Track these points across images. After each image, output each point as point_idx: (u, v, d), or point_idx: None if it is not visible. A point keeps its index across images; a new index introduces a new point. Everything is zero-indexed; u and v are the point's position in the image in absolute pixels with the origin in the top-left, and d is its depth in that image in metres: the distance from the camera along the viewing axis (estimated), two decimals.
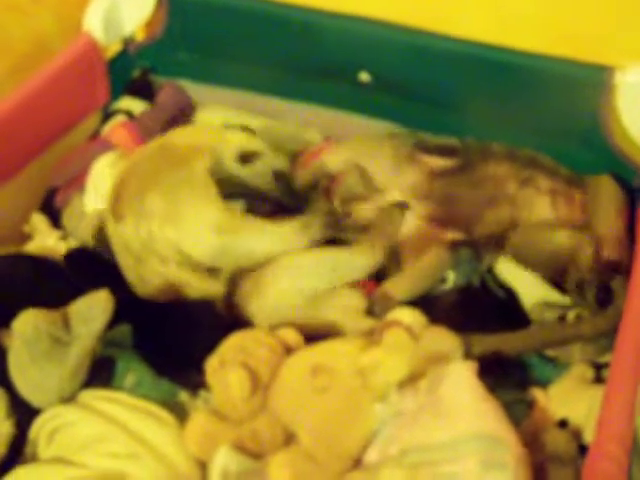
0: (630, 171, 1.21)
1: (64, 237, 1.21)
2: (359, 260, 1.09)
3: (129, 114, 1.38)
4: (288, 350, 0.98)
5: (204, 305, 1.07)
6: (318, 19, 1.32)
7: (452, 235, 1.18)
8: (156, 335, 1.03)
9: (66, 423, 0.93)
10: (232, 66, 1.42)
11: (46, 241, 1.20)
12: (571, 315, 1.10)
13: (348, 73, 1.34)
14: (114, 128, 1.34)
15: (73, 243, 1.19)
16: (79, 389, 0.94)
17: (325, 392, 0.91)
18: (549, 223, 1.15)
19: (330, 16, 1.32)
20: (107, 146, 1.29)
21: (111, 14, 1.35)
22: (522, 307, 1.15)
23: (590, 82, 1.19)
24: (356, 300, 1.08)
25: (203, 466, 0.91)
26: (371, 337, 1.02)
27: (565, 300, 1.13)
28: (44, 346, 0.90)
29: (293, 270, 1.06)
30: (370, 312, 1.09)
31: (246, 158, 1.17)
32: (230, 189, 1.13)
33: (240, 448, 0.90)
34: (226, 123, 1.38)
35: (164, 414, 0.94)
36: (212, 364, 0.95)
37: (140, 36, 1.47)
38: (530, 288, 1.15)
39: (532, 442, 0.92)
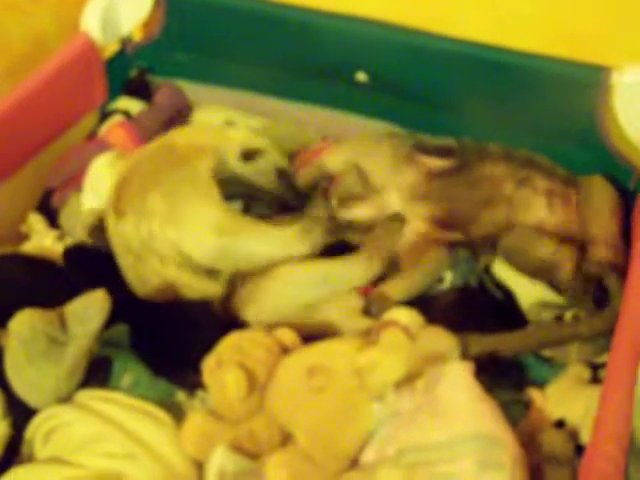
0: (626, 171, 1.21)
1: (61, 237, 1.21)
2: (355, 273, 1.08)
3: (126, 114, 1.38)
4: (285, 350, 0.98)
5: (201, 305, 1.07)
6: (315, 19, 1.32)
7: (449, 235, 1.17)
8: (153, 335, 1.03)
9: (63, 423, 0.93)
10: (229, 66, 1.42)
11: (43, 241, 1.20)
12: (568, 315, 1.10)
13: (345, 73, 1.34)
14: (111, 128, 1.33)
15: (70, 243, 1.19)
16: (76, 389, 0.94)
17: (322, 392, 0.91)
18: (538, 229, 1.15)
19: (327, 16, 1.32)
20: (104, 146, 1.29)
21: (109, 14, 1.34)
22: (519, 307, 1.16)
23: (587, 82, 1.19)
24: (353, 300, 1.08)
25: (200, 466, 0.91)
26: (368, 337, 1.02)
27: (562, 300, 1.13)
28: (40, 346, 0.90)
29: (288, 282, 1.06)
30: (367, 312, 1.09)
31: (249, 155, 1.16)
32: (231, 189, 1.12)
33: (237, 448, 0.90)
34: (228, 121, 1.38)
35: (161, 414, 0.94)
36: (209, 364, 0.95)
37: (138, 36, 1.46)
38: (527, 288, 1.16)
39: (529, 442, 0.92)
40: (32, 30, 1.39)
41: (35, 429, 0.94)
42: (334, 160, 1.25)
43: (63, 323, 0.93)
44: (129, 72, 1.46)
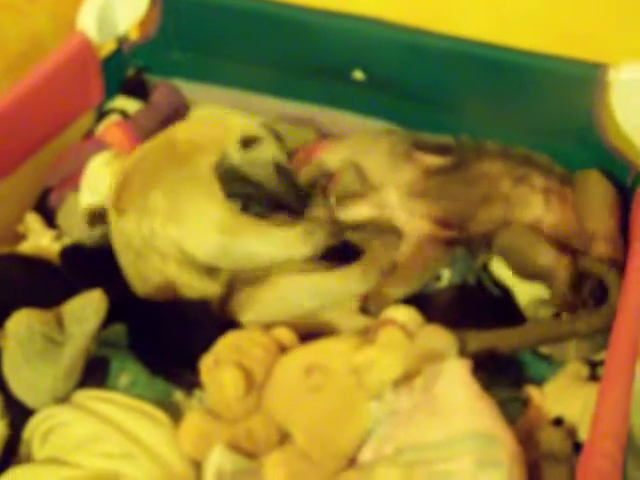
0: (624, 168, 1.21)
1: (58, 237, 1.21)
2: (351, 287, 1.08)
3: (123, 113, 1.38)
4: (283, 349, 0.98)
5: (199, 304, 1.07)
6: (312, 18, 1.32)
7: (447, 233, 1.17)
8: (151, 334, 1.03)
9: (60, 423, 0.93)
10: (226, 65, 1.42)
11: (40, 241, 1.20)
12: (565, 313, 1.10)
13: (342, 71, 1.34)
14: (108, 127, 1.33)
15: (67, 243, 1.19)
16: (73, 389, 0.94)
17: (319, 391, 0.91)
18: (536, 229, 1.15)
19: (324, 15, 1.31)
20: (101, 145, 1.29)
21: (105, 13, 1.34)
22: (517, 305, 1.15)
23: (584, 80, 1.19)
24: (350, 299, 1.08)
25: (198, 466, 0.91)
26: (366, 336, 1.02)
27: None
28: (38, 346, 0.90)
29: (284, 293, 1.06)
30: (365, 310, 1.09)
31: (247, 143, 1.16)
32: (231, 189, 1.12)
33: (235, 447, 0.90)
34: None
35: (159, 414, 0.94)
36: (207, 363, 0.95)
37: (134, 35, 1.46)
38: (525, 286, 1.15)
39: (527, 440, 0.92)
40: (28, 30, 1.39)
41: (33, 429, 0.93)
42: (332, 158, 1.25)
43: (60, 323, 0.92)
44: (126, 71, 1.46)
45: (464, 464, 0.83)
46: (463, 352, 1.00)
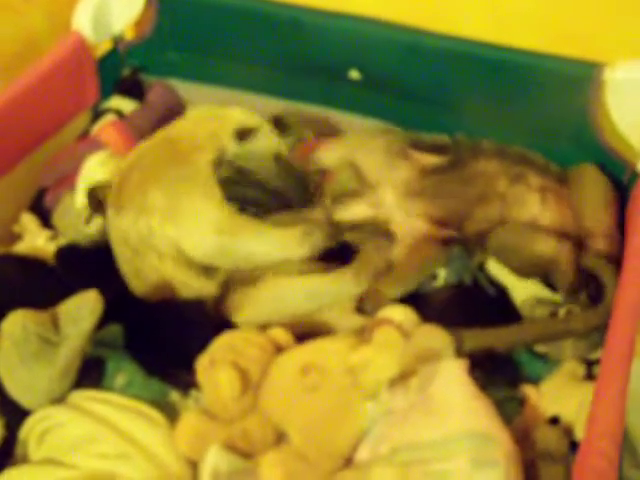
0: (619, 167, 1.21)
1: (54, 237, 1.20)
2: (343, 290, 1.08)
3: (119, 113, 1.38)
4: (278, 349, 0.98)
5: (195, 304, 1.07)
6: (308, 17, 1.32)
7: (443, 232, 1.17)
8: (147, 334, 1.03)
9: (56, 424, 0.93)
10: (222, 65, 1.42)
11: (36, 241, 1.20)
12: (562, 312, 1.10)
13: (338, 71, 1.34)
14: (104, 127, 1.33)
15: (63, 243, 1.19)
16: (69, 390, 0.94)
17: (315, 391, 0.91)
18: (531, 227, 1.15)
19: (321, 14, 1.32)
20: (97, 145, 1.29)
21: (100, 13, 1.34)
22: (513, 304, 1.16)
23: (579, 79, 1.19)
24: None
25: (194, 466, 0.91)
26: (362, 335, 1.02)
27: (555, 297, 1.13)
28: (33, 347, 0.90)
29: (276, 295, 1.06)
30: (361, 310, 1.09)
31: (243, 135, 1.16)
32: (231, 191, 1.11)
33: (231, 447, 0.90)
34: None
35: (155, 414, 0.94)
36: (202, 363, 0.95)
37: (130, 35, 1.46)
38: (521, 285, 1.15)
39: (523, 439, 0.92)
40: (24, 30, 1.39)
41: (29, 430, 0.93)
42: (329, 156, 1.25)
43: (55, 324, 0.92)
44: (121, 71, 1.45)
45: (460, 464, 0.83)
46: (459, 351, 1.00)
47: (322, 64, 1.35)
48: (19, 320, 0.91)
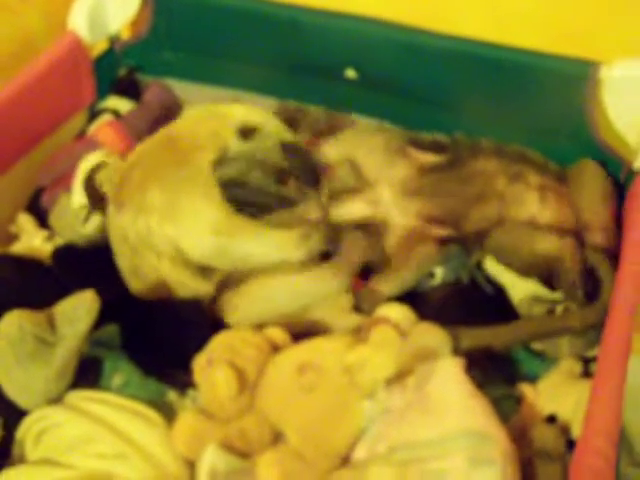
0: (616, 165, 1.21)
1: (50, 237, 1.20)
2: (323, 287, 1.07)
3: (115, 113, 1.38)
4: (275, 349, 0.98)
5: (192, 304, 1.07)
6: (304, 16, 1.31)
7: (441, 231, 1.17)
8: (144, 335, 1.03)
9: (53, 424, 0.93)
10: (218, 64, 1.42)
11: (32, 241, 1.20)
12: (559, 309, 1.10)
13: (335, 70, 1.34)
14: (100, 127, 1.33)
15: (60, 243, 1.19)
16: (66, 390, 0.94)
17: (312, 390, 0.91)
18: (530, 226, 1.15)
19: (317, 13, 1.31)
20: (93, 145, 1.29)
21: (96, 13, 1.34)
22: (510, 302, 1.16)
23: (576, 77, 1.19)
24: (343, 297, 1.08)
25: (191, 466, 0.91)
26: (358, 334, 1.02)
27: (553, 295, 1.13)
28: (29, 347, 0.90)
29: (260, 296, 1.06)
30: (358, 309, 1.09)
31: (247, 133, 1.16)
32: (230, 195, 1.11)
33: (228, 447, 0.90)
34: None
35: (152, 414, 0.94)
36: (199, 363, 0.95)
37: (126, 35, 1.46)
38: (518, 283, 1.16)
39: (520, 438, 0.92)
40: (20, 30, 1.39)
41: (26, 430, 0.93)
42: (328, 153, 1.25)
43: (52, 324, 0.92)
44: (118, 71, 1.45)
45: (457, 462, 0.83)
46: (457, 350, 1.00)
47: (319, 63, 1.35)
48: (15, 320, 0.91)
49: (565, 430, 0.96)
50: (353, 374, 0.91)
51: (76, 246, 1.18)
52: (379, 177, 1.20)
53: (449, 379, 0.92)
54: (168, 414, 0.95)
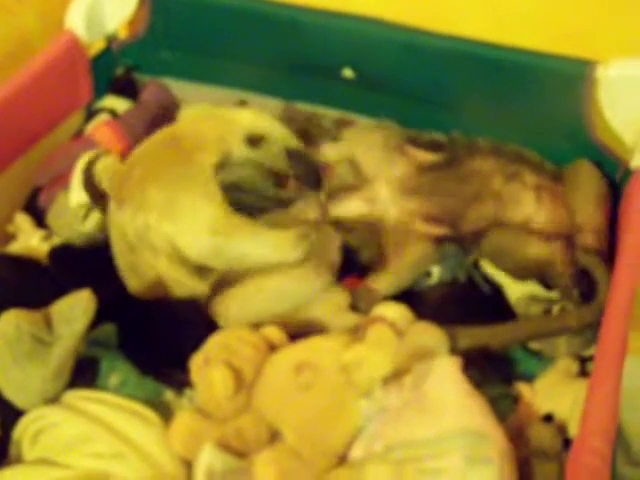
0: (612, 164, 1.21)
1: (48, 237, 1.20)
2: (307, 287, 1.07)
3: (113, 112, 1.38)
4: (272, 348, 0.98)
5: (189, 303, 1.07)
6: (301, 16, 1.31)
7: (437, 230, 1.17)
8: (141, 334, 1.03)
9: (50, 424, 0.93)
10: (216, 64, 1.41)
11: (30, 241, 1.20)
12: (556, 309, 1.10)
13: (334, 70, 1.34)
14: (97, 126, 1.33)
15: (57, 242, 1.19)
16: (63, 389, 0.94)
17: (309, 389, 0.91)
18: (523, 230, 1.15)
19: (315, 13, 1.31)
20: (91, 144, 1.28)
21: (93, 12, 1.34)
22: (508, 302, 1.16)
23: (573, 77, 1.19)
24: (340, 296, 1.08)
25: (188, 465, 0.91)
26: (355, 333, 1.02)
27: (550, 294, 1.13)
28: (26, 347, 0.90)
29: (246, 299, 1.05)
30: (355, 308, 1.09)
31: (254, 141, 1.16)
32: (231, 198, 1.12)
33: (225, 446, 0.90)
34: (242, 101, 1.38)
35: (149, 413, 0.94)
36: (196, 362, 0.96)
37: (123, 34, 1.46)
38: (515, 282, 1.16)
39: (517, 437, 0.92)
40: (17, 29, 1.39)
41: (23, 430, 0.93)
42: (328, 151, 1.25)
43: (49, 323, 0.92)
44: (115, 70, 1.45)
45: (454, 461, 0.83)
46: (454, 349, 1.00)
47: (317, 63, 1.35)
48: (12, 320, 0.91)
49: (562, 429, 0.96)
50: (350, 373, 0.91)
51: (73, 246, 1.18)
52: (377, 175, 1.20)
53: (446, 378, 0.92)
54: (165, 413, 0.95)
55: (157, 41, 1.43)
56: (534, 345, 1.09)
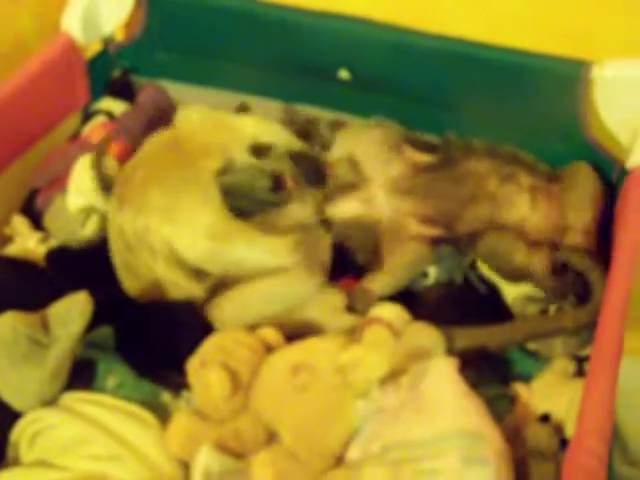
0: (608, 165, 1.21)
1: (45, 239, 1.20)
2: (299, 289, 1.07)
3: (109, 115, 1.38)
4: (269, 349, 0.98)
5: (186, 306, 1.07)
6: (297, 17, 1.31)
7: (433, 231, 1.17)
8: (138, 336, 1.03)
9: (47, 426, 0.93)
10: (212, 65, 1.41)
11: (27, 243, 1.20)
12: (552, 309, 1.11)
13: (328, 71, 1.34)
14: (94, 128, 1.33)
15: (54, 244, 1.19)
16: (60, 392, 0.94)
17: (306, 390, 0.92)
18: (517, 231, 1.15)
19: (310, 14, 1.31)
20: (88, 146, 1.28)
21: (90, 14, 1.34)
22: (504, 302, 1.16)
23: (568, 77, 1.19)
24: (336, 297, 1.08)
25: (186, 467, 0.91)
26: (352, 334, 1.02)
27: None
28: (23, 349, 0.90)
29: (239, 303, 1.06)
30: (351, 309, 1.09)
31: (259, 151, 1.17)
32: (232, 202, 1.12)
33: (222, 448, 0.90)
34: (243, 106, 1.38)
35: (146, 415, 0.94)
36: (193, 364, 0.96)
37: (119, 36, 1.46)
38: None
39: (514, 437, 0.93)
40: (12, 31, 1.39)
41: (20, 432, 0.93)
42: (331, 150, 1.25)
43: (46, 326, 0.92)
44: (112, 72, 1.45)
45: (451, 461, 0.84)
46: (451, 349, 1.01)
47: (312, 64, 1.35)
48: (9, 322, 0.91)
49: (559, 429, 0.96)
50: (346, 374, 0.91)
51: (70, 248, 1.17)
52: (374, 174, 1.20)
53: (443, 379, 0.92)
54: (162, 415, 0.95)
55: (153, 43, 1.43)
56: (531, 345, 1.09)
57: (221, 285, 1.07)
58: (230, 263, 1.07)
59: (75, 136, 1.36)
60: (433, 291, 1.17)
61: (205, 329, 1.02)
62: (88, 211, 1.18)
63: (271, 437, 0.92)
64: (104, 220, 1.16)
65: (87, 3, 1.33)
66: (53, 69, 1.29)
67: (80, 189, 1.20)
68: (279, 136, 1.22)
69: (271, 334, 1.00)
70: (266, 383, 0.94)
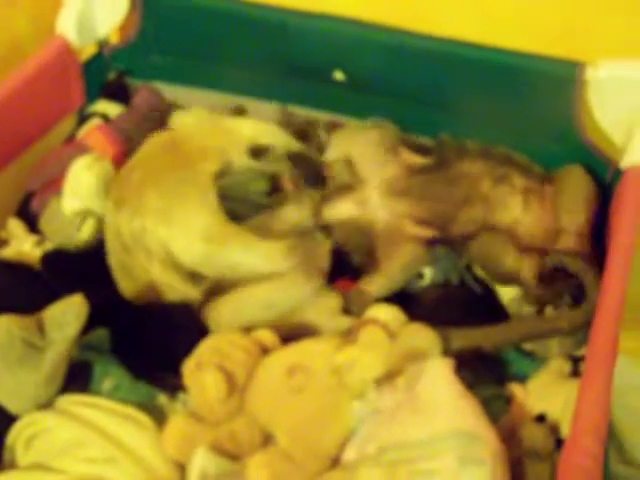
0: (603, 166, 1.21)
1: (40, 242, 1.20)
2: (296, 293, 1.07)
3: (105, 117, 1.38)
4: (264, 351, 0.98)
5: (182, 308, 1.08)
6: (292, 19, 1.31)
7: (427, 232, 1.18)
8: (134, 338, 1.03)
9: (44, 429, 0.92)
10: (206, 68, 1.41)
11: (22, 246, 1.19)
12: (548, 309, 1.11)
13: (323, 72, 1.34)
14: (90, 131, 1.33)
15: (50, 247, 1.19)
16: (56, 395, 0.94)
17: (301, 392, 0.92)
18: (509, 234, 1.15)
19: (304, 16, 1.31)
20: (83, 149, 1.28)
21: (85, 17, 1.34)
22: (500, 302, 1.16)
23: (563, 78, 1.19)
24: (332, 299, 1.08)
25: (182, 469, 0.91)
26: (348, 336, 1.02)
27: None
28: (18, 352, 0.90)
29: (235, 308, 1.06)
30: (347, 310, 1.09)
31: (257, 152, 1.17)
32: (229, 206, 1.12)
33: (218, 450, 0.90)
34: (239, 108, 1.39)
35: (142, 417, 0.94)
36: (189, 366, 0.96)
37: (114, 39, 1.46)
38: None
39: (510, 437, 0.93)
40: (8, 34, 1.39)
41: (16, 436, 0.93)
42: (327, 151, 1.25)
43: (41, 328, 0.92)
44: (107, 75, 1.45)
45: (447, 462, 0.84)
46: (447, 350, 1.01)
47: (307, 66, 1.35)
48: (4, 325, 0.90)
49: (554, 429, 0.96)
50: (342, 375, 0.91)
51: (65, 251, 1.17)
52: (369, 176, 1.20)
53: (439, 379, 0.92)
54: (158, 417, 0.95)
55: (148, 45, 1.43)
56: (527, 346, 1.09)
57: (217, 288, 1.07)
58: (225, 267, 1.07)
59: (70, 138, 1.36)
60: (429, 292, 1.17)
61: (201, 331, 1.02)
62: (84, 214, 1.18)
63: (267, 439, 0.92)
64: (100, 223, 1.16)
65: (82, 6, 1.33)
66: (48, 72, 1.29)
67: (76, 192, 1.20)
68: (277, 138, 1.22)
69: (266, 336, 1.00)
70: (262, 385, 0.94)
